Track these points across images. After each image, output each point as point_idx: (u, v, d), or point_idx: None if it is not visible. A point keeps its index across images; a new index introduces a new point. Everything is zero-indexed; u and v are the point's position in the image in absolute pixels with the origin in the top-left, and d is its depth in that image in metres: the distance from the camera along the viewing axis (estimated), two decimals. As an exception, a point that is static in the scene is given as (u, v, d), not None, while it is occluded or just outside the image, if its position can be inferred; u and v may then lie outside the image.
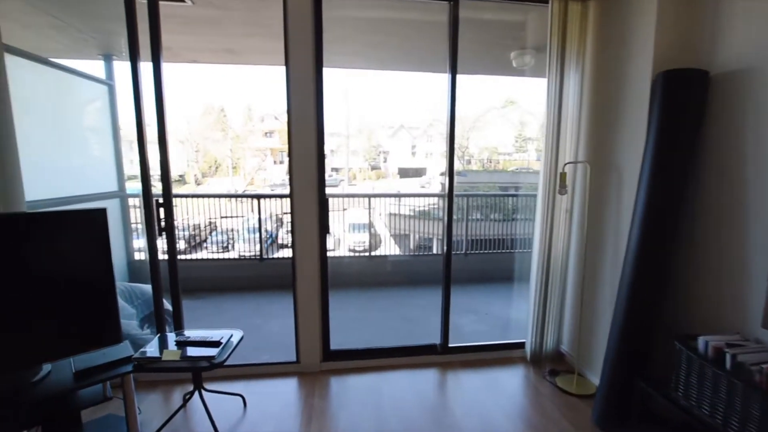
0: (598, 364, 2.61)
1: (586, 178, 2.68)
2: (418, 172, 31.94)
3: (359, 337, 3.56)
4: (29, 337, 1.77)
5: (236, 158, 28.40)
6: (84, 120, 3.71)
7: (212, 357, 2.04)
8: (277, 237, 8.22)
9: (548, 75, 2.69)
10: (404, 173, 31.41)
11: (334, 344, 2.93)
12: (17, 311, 1.74)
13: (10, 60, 3.06)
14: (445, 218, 2.91)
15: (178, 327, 2.70)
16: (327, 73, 2.52)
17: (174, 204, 2.59)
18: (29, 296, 1.76)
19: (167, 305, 2.94)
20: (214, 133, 29.09)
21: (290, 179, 2.58)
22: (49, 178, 3.14)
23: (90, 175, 3.60)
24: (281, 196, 5.17)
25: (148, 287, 3.16)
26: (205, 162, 30.22)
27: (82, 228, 1.88)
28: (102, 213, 1.90)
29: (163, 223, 2.54)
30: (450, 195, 2.87)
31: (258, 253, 4.40)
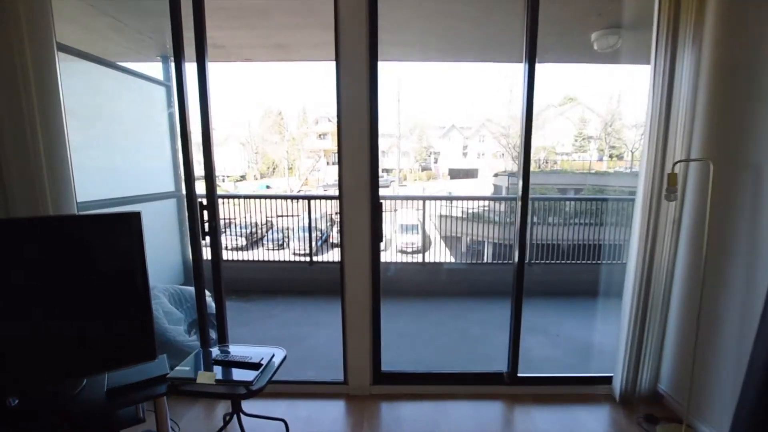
0: (717, 416, 2.04)
1: (706, 180, 2.11)
2: (468, 174, 30.94)
3: (412, 355, 3.19)
4: (56, 349, 1.63)
5: (292, 159, 29.26)
6: (142, 121, 3.71)
7: (250, 383, 1.78)
8: (329, 236, 8.18)
9: (654, 57, 2.14)
10: (455, 174, 30.53)
11: (385, 363, 2.60)
12: (46, 321, 1.60)
13: (72, 62, 3.10)
14: (517, 223, 2.45)
15: (222, 334, 2.51)
16: (380, 67, 2.19)
17: (225, 204, 2.39)
18: (54, 306, 1.58)
19: (213, 306, 2.80)
20: (272, 136, 30.21)
21: (340, 181, 2.29)
22: (106, 179, 3.13)
23: (147, 176, 3.58)
24: (330, 198, 4.93)
25: (190, 289, 3.08)
26: (264, 163, 31.50)
27: (115, 233, 1.68)
28: (136, 217, 1.70)
29: (206, 226, 2.35)
30: (525, 199, 2.42)
31: (308, 254, 4.19)
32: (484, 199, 8.78)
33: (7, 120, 1.95)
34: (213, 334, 2.74)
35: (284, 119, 27.71)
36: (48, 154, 2.01)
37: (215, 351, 2.08)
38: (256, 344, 2.12)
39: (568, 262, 4.59)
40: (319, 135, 32.05)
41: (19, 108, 1.93)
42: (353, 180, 2.24)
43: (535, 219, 4.81)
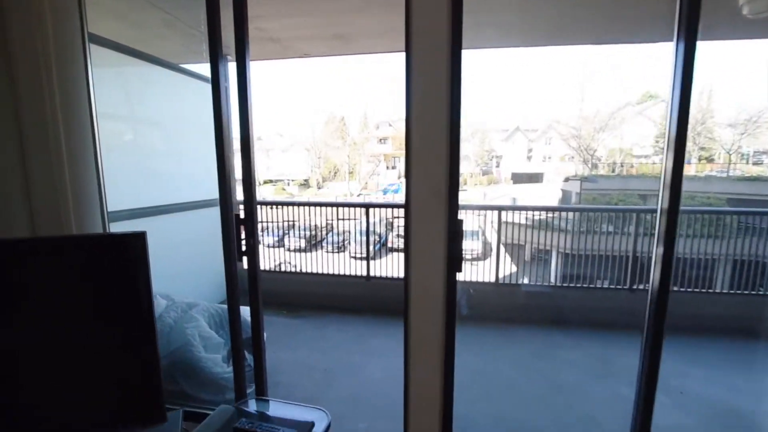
0: None
1: None
2: (532, 178, 28.90)
3: (488, 407, 2.53)
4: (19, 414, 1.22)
5: (353, 164, 29.55)
6: (190, 121, 3.46)
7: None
8: (386, 240, 7.79)
9: None
10: (518, 178, 28.71)
11: (458, 413, 1.99)
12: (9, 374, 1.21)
13: (114, 58, 2.86)
14: (659, 239, 1.71)
15: (260, 385, 2.05)
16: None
17: (282, 209, 1.95)
18: (20, 354, 1.16)
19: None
20: (335, 141, 30.77)
21: (407, 190, 1.73)
22: (156, 185, 2.89)
23: (197, 181, 3.33)
24: (394, 206, 4.38)
25: (244, 309, 2.60)
26: (326, 167, 32.18)
27: (111, 260, 1.29)
28: (138, 240, 1.29)
29: (243, 245, 1.93)
30: (674, 210, 1.66)
31: (365, 258, 3.70)
32: (615, 210, 6.68)
33: (29, 116, 1.67)
34: (250, 359, 2.34)
35: (346, 124, 28.11)
36: (72, 161, 1.71)
37: (252, 403, 1.63)
38: (297, 402, 1.64)
39: (696, 290, 3.52)
40: (380, 139, 32.05)
41: (42, 106, 1.64)
42: (424, 190, 1.67)
43: (640, 230, 3.83)
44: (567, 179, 13.68)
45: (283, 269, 4.04)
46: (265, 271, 3.83)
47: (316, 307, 3.69)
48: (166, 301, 2.33)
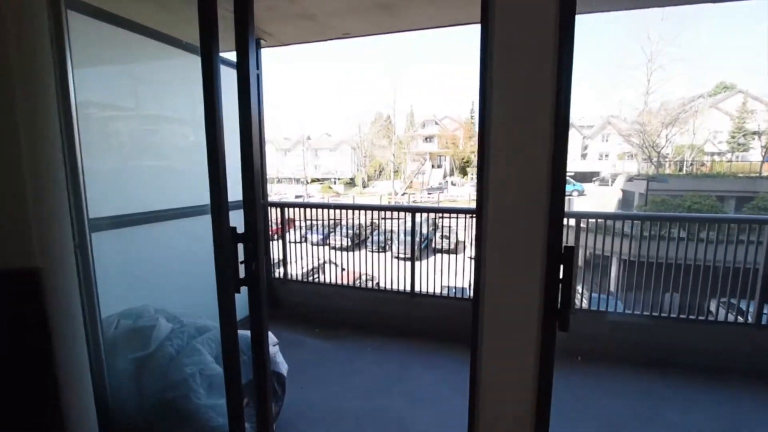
0: None
1: None
2: (586, 177, 26.59)
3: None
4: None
5: (398, 162, 28.87)
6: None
7: None
8: (431, 240, 7.26)
9: None
10: (571, 178, 26.55)
11: None
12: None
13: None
14: None
15: None
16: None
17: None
18: None
19: (279, 365, 1.86)
20: (381, 140, 30.29)
21: (481, 189, 1.06)
22: (177, 185, 2.45)
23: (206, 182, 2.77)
24: (462, 211, 3.66)
25: (245, 333, 1.83)
26: (371, 166, 31.84)
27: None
28: (30, 278, 0.78)
29: (242, 271, 1.36)
30: None
31: (409, 259, 3.03)
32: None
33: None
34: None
35: (392, 123, 27.50)
36: (35, 160, 1.25)
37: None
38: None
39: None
40: (426, 138, 31.17)
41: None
42: (513, 189, 1.01)
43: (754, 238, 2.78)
44: (631, 179, 12.13)
45: (319, 280, 3.51)
46: (299, 281, 3.27)
47: (353, 326, 3.09)
48: (172, 325, 1.82)
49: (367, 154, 32.10)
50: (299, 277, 3.29)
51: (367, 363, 2.60)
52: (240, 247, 1.14)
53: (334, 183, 32.31)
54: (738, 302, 2.63)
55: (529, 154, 1.00)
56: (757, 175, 15.03)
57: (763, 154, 20.96)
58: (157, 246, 2.14)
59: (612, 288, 4.06)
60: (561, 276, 0.93)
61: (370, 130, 32.11)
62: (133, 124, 2.15)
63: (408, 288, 2.98)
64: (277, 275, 3.26)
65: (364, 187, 27.98)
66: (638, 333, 2.53)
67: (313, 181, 32.55)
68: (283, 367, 1.83)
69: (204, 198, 1.11)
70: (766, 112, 21.14)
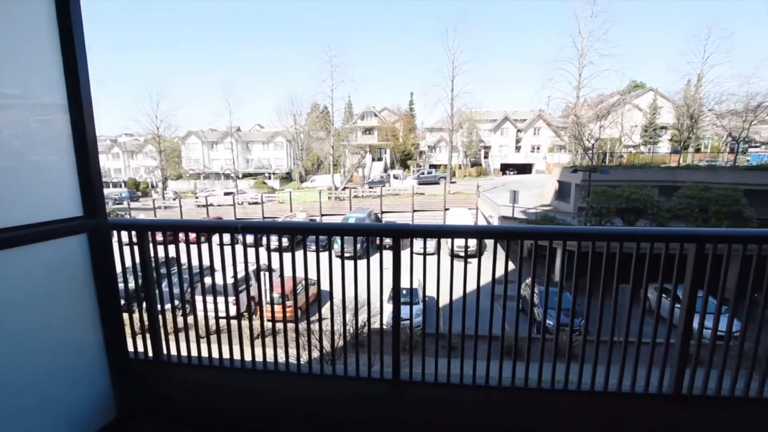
0: None
1: None
2: (521, 169, 27.67)
3: None
4: None
5: (337, 155, 27.33)
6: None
7: None
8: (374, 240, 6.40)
9: None
10: (506, 169, 27.53)
11: None
12: None
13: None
14: None
15: None
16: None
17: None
18: None
19: None
20: (318, 132, 28.53)
21: None
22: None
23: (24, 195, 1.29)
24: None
25: None
26: (309, 159, 29.98)
27: None
28: None
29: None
30: None
31: (390, 374, 1.33)
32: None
33: None
34: None
35: (330, 114, 26.07)
36: None
37: None
38: None
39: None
40: (365, 130, 30.20)
41: None
42: None
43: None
44: (576, 170, 12.35)
45: (231, 365, 1.39)
46: (190, 365, 1.43)
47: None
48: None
49: (304, 146, 30.40)
50: (194, 356, 1.43)
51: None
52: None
53: (269, 178, 30.20)
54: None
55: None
56: (677, 165, 16.33)
57: (670, 147, 23.44)
58: None
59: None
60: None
61: (307, 121, 30.37)
62: None
63: (389, 374, 1.34)
64: (145, 353, 1.47)
65: (302, 181, 26.46)
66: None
67: (245, 176, 29.92)
68: None
69: None
70: (672, 108, 23.55)
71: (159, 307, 1.35)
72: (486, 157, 29.54)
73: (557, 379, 1.17)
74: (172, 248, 1.39)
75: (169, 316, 1.39)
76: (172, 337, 1.37)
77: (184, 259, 1.32)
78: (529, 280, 5.83)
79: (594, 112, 19.54)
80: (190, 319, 1.44)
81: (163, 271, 1.34)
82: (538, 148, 28.96)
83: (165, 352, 1.39)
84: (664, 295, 4.08)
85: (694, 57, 20.24)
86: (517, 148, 29.64)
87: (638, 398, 1.11)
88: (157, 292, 1.34)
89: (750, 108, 15.76)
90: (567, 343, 1.14)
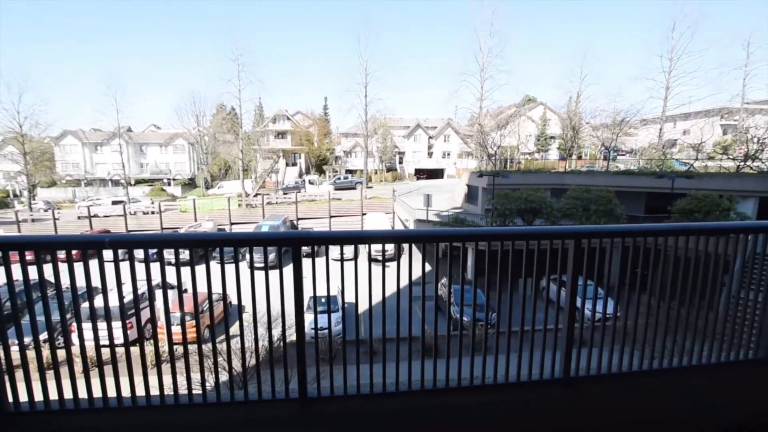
0: None
1: None
2: (433, 174, 29.45)
3: None
4: None
5: (247, 160, 25.79)
6: None
7: None
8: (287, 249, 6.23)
9: None
10: (419, 174, 29.03)
11: None
12: None
13: None
14: None
15: None
16: None
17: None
18: None
19: None
20: (226, 135, 26.66)
21: None
22: None
23: None
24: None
25: None
26: (215, 164, 27.82)
27: None
28: None
29: None
30: None
31: (296, 393, 1.18)
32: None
33: None
34: None
35: (238, 116, 24.51)
36: None
37: None
38: None
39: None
40: (278, 134, 29.10)
41: None
42: None
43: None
44: (482, 174, 13.44)
45: (118, 404, 1.21)
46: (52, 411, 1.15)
47: None
48: None
49: (209, 150, 28.15)
50: (59, 399, 1.15)
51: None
52: None
53: (168, 184, 27.31)
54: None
55: None
56: (564, 170, 18.68)
57: (558, 154, 27.07)
58: None
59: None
60: None
61: (212, 123, 28.22)
62: None
63: (294, 393, 1.24)
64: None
65: (208, 188, 24.45)
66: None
67: (138, 182, 26.55)
68: None
69: None
70: (558, 120, 27.16)
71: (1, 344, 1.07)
72: (401, 162, 30.59)
73: (475, 375, 1.22)
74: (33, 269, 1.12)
75: (30, 353, 1.12)
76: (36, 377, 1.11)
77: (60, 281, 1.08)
78: (445, 280, 6.17)
79: (495, 122, 21.56)
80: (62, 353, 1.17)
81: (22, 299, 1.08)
82: (449, 154, 30.93)
83: (11, 400, 1.09)
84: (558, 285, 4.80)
85: (573, 76, 23.63)
86: (430, 154, 31.27)
87: (534, 386, 1.21)
88: None
89: (616, 122, 18.95)
90: (483, 338, 1.21)
